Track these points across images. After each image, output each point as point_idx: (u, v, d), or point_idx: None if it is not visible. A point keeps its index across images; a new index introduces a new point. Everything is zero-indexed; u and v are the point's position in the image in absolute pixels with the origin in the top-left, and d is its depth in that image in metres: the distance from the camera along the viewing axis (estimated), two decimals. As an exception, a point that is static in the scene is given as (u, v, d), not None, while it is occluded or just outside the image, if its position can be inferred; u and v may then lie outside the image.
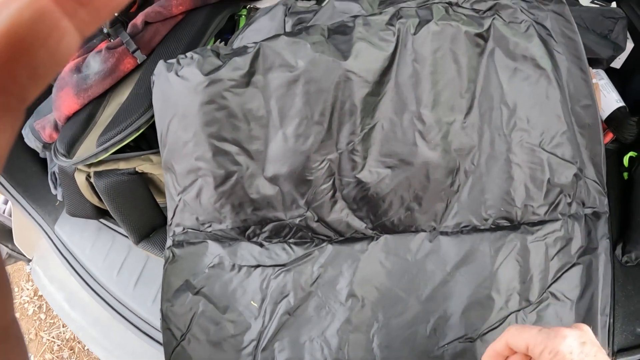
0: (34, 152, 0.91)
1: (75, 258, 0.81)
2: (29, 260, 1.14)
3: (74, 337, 1.41)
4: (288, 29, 0.55)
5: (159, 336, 0.68)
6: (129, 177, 0.62)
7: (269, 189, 0.54)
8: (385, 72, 0.48)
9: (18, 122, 0.12)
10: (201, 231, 0.59)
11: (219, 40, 0.73)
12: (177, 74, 0.50)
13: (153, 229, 0.68)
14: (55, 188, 0.88)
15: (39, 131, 0.74)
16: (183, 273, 0.58)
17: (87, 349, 1.39)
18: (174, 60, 0.52)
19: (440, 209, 0.52)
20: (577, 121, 0.51)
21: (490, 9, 0.50)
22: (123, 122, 0.58)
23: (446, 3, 0.50)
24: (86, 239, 0.80)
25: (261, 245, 0.57)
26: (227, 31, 0.74)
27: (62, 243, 0.84)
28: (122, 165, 0.62)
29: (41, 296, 1.50)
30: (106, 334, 0.78)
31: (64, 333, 1.42)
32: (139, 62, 0.65)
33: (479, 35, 0.49)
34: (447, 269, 0.52)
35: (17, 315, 1.47)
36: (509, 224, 0.52)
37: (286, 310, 0.55)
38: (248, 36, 0.57)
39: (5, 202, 1.09)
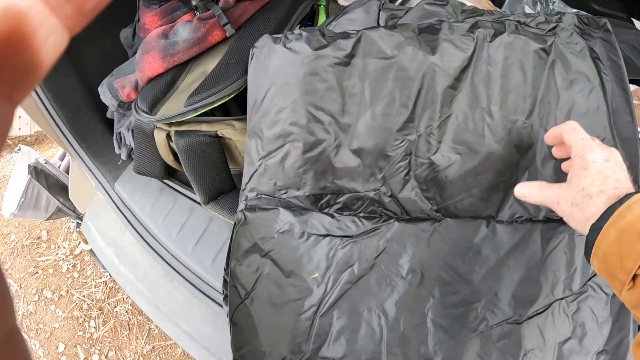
0: (101, 112, 0.96)
1: (134, 215, 0.85)
2: (78, 216, 1.19)
3: (105, 298, 1.46)
4: (382, 22, 0.61)
5: (214, 294, 0.71)
6: (209, 140, 0.66)
7: (352, 161, 0.58)
8: (464, 70, 0.54)
9: (8, 123, 0.11)
10: (275, 197, 0.62)
11: (300, 26, 0.77)
12: (285, 46, 0.55)
13: (222, 192, 0.71)
14: (120, 148, 0.93)
15: (117, 89, 0.78)
16: (253, 236, 0.61)
17: (116, 312, 1.44)
18: (280, 35, 0.57)
19: (499, 198, 0.57)
20: (618, 133, 0.56)
21: (552, 29, 0.58)
22: (214, 87, 0.62)
23: (516, 21, 0.58)
24: (147, 199, 0.84)
25: (332, 216, 0.60)
26: (307, 19, 0.78)
27: (122, 200, 0.88)
28: (204, 128, 0.66)
29: (77, 255, 1.55)
30: (154, 289, 0.82)
31: (94, 293, 1.47)
32: (227, 36, 0.69)
33: (543, 49, 0.55)
34: (500, 254, 0.56)
35: (51, 271, 1.53)
36: (559, 218, 0.55)
37: (349, 279, 0.58)
38: (342, 24, 0.62)
39: (62, 158, 1.14)
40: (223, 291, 0.62)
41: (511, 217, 0.57)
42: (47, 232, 1.60)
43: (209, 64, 0.70)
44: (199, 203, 0.79)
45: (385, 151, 0.56)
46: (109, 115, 0.94)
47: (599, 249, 0.38)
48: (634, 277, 0.35)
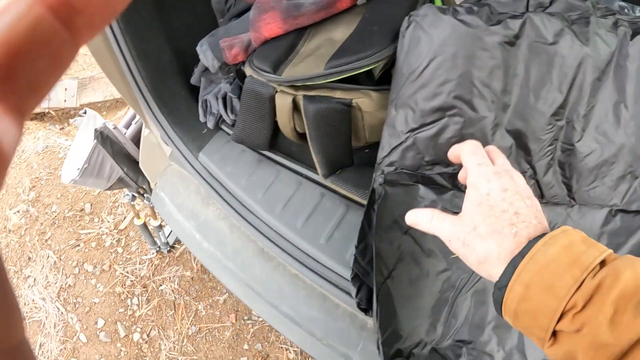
0: (185, 77, 0.90)
1: (224, 187, 0.79)
2: (138, 189, 1.13)
3: (150, 275, 1.41)
4: (531, 8, 0.60)
5: (328, 274, 0.66)
6: (342, 108, 0.60)
7: (506, 141, 0.57)
8: (608, 64, 0.56)
9: (18, 133, 0.11)
10: (416, 173, 0.57)
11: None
12: (455, 18, 0.53)
13: (342, 166, 0.66)
14: (205, 116, 0.87)
15: (223, 49, 0.72)
16: (393, 212, 0.57)
17: (162, 290, 1.39)
18: (447, 7, 0.55)
19: (625, 188, 0.58)
20: None
21: None
22: (361, 52, 0.57)
23: None
24: (242, 171, 0.78)
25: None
26: None
27: (208, 171, 0.83)
28: (338, 95, 0.60)
29: (122, 230, 1.49)
30: (246, 268, 0.77)
31: (139, 270, 1.41)
32: (358, 4, 0.63)
33: None
34: (619, 242, 0.59)
35: (93, 245, 1.47)
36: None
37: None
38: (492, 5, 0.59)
39: (127, 126, 1.08)
40: (352, 270, 0.57)
41: (636, 207, 0.58)
42: (91, 204, 1.53)
43: (335, 32, 0.65)
44: (306, 177, 0.74)
45: (537, 134, 0.56)
46: (193, 81, 0.88)
47: (509, 308, 0.33)
48: (554, 333, 0.31)
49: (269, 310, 0.73)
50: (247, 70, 0.69)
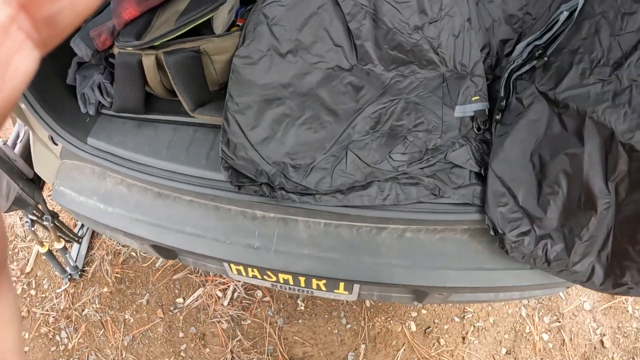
0: (61, 78, 1.03)
1: (115, 155, 0.93)
2: (35, 206, 1.19)
3: (70, 305, 1.40)
4: None
5: (215, 184, 0.83)
6: (193, 55, 0.80)
7: None
8: None
9: (33, 65, 0.12)
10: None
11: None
12: None
13: (204, 102, 0.85)
14: (86, 106, 1.00)
15: (93, 38, 0.88)
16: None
17: (85, 314, 1.39)
18: None
19: None
20: None
21: None
22: (199, 7, 0.78)
23: None
24: (126, 136, 0.93)
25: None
26: None
27: (99, 149, 0.96)
28: (187, 45, 0.80)
29: (28, 273, 1.47)
30: (150, 211, 0.90)
31: (57, 304, 1.41)
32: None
33: None
34: None
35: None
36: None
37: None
38: None
39: (14, 146, 1.15)
40: (221, 159, 0.76)
41: None
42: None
43: (179, 5, 0.86)
44: (178, 123, 0.91)
45: None
46: (68, 81, 1.02)
47: None
48: None
49: (177, 237, 0.87)
50: (115, 50, 0.86)
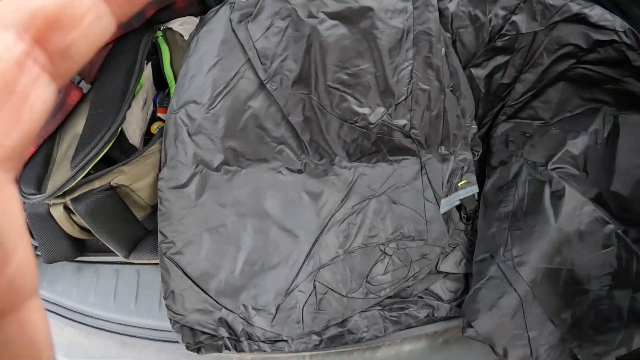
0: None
1: (64, 307, 0.81)
2: None
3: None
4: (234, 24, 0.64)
5: (168, 335, 0.71)
6: (106, 193, 0.66)
7: None
8: None
9: (50, 98, 0.12)
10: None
11: (148, 61, 0.79)
12: None
13: (138, 240, 0.71)
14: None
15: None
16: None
17: None
18: None
19: None
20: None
21: None
22: (92, 140, 0.63)
23: None
24: (69, 284, 0.80)
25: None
26: (152, 53, 0.80)
27: (45, 300, 0.83)
28: (96, 184, 0.65)
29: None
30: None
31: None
32: (85, 92, 0.70)
33: None
34: None
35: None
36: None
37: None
38: (202, 36, 0.66)
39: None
40: (170, 320, 0.63)
41: None
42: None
43: (77, 125, 0.71)
44: (121, 263, 0.78)
45: None
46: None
47: None
48: None
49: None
50: (20, 200, 0.72)
